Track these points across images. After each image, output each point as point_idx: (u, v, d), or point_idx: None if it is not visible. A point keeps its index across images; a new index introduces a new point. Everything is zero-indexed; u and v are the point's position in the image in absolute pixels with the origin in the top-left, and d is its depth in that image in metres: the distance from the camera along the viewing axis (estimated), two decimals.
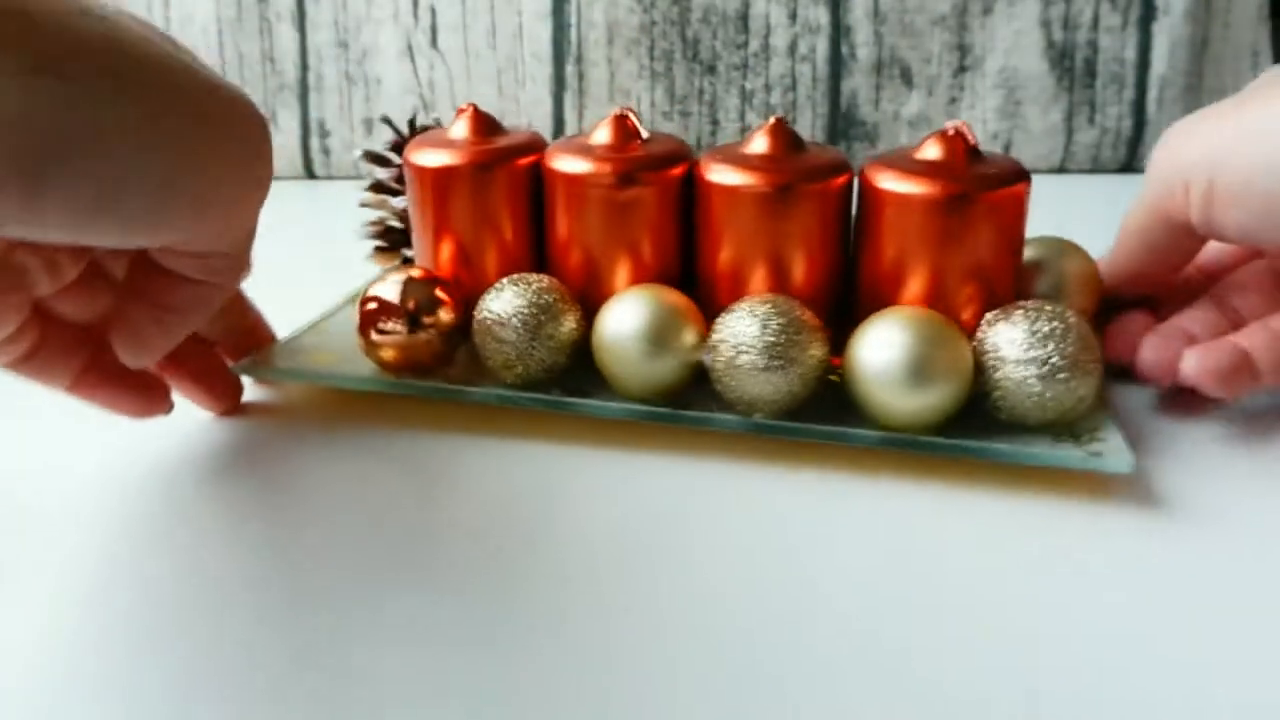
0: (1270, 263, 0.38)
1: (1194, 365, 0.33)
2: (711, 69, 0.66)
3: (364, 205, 0.47)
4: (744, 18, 0.66)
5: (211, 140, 0.24)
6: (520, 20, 0.66)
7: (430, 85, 0.68)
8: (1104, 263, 0.38)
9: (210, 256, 0.28)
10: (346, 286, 0.44)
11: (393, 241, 0.46)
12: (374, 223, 0.47)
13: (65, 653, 0.25)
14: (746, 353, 0.31)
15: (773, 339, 0.31)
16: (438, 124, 0.46)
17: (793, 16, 0.65)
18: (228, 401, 0.36)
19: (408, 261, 0.45)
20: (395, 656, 0.24)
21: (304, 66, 0.69)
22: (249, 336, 0.37)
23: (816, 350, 0.32)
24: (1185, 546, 0.28)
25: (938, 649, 0.24)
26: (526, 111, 0.68)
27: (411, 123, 0.47)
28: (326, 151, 0.70)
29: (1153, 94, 0.66)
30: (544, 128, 0.68)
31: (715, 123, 0.67)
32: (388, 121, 0.47)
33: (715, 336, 0.32)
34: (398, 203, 0.45)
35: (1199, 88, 0.67)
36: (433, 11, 0.67)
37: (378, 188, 0.46)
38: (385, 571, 0.27)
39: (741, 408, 0.32)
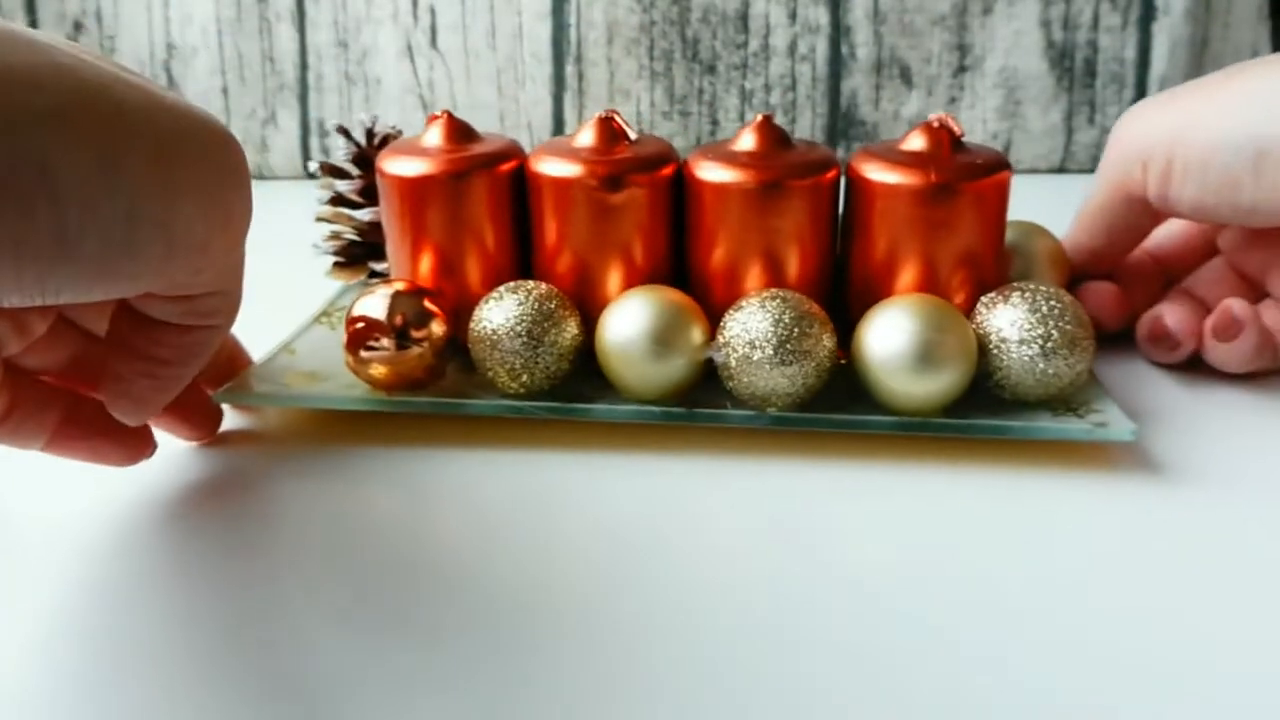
0: (1228, 258, 0.39)
1: (1241, 309, 0.34)
2: (711, 69, 0.66)
3: (320, 220, 0.44)
4: (744, 17, 0.66)
5: (177, 173, 0.22)
6: (520, 20, 0.66)
7: (430, 85, 0.68)
8: (1064, 242, 0.40)
9: (197, 299, 0.25)
10: (331, 288, 0.43)
11: (352, 257, 0.44)
12: (333, 237, 0.44)
13: (39, 686, 0.24)
14: (761, 348, 0.31)
15: (786, 333, 0.31)
16: (398, 133, 0.44)
17: (792, 16, 0.65)
18: (208, 430, 0.34)
19: (376, 275, 0.43)
20: (408, 690, 0.24)
21: (304, 66, 0.69)
22: (228, 364, 0.35)
23: (828, 341, 0.32)
24: (1187, 505, 0.29)
25: (964, 624, 0.25)
26: (526, 111, 0.68)
27: (369, 132, 0.44)
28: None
29: (1153, 94, 0.66)
30: (544, 127, 0.68)
31: (715, 122, 0.67)
32: (343, 132, 0.44)
33: (727, 334, 0.32)
34: (361, 215, 0.43)
35: None
36: (432, 11, 0.67)
37: (337, 200, 0.44)
38: (402, 599, 0.26)
39: (755, 403, 0.32)
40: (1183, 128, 0.34)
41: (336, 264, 0.44)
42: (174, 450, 0.33)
